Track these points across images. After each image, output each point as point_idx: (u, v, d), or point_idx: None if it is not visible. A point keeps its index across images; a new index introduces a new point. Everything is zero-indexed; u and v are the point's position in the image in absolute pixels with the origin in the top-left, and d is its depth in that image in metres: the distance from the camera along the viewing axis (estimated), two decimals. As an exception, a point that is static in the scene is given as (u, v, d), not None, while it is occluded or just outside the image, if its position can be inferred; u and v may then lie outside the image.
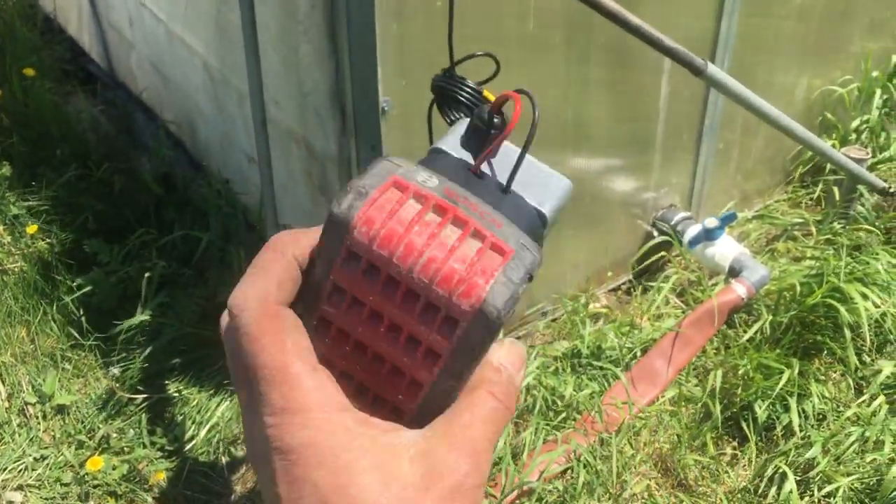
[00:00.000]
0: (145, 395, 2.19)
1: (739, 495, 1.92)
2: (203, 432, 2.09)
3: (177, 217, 2.59)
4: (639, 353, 2.20)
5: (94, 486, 2.00)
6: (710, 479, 1.96)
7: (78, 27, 3.29)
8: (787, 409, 2.00)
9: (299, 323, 0.41)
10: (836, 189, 2.58)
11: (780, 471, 1.89)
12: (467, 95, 1.45)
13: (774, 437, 2.02)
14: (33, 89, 2.97)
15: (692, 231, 2.36)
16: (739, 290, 2.22)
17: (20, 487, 2.01)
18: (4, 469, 2.03)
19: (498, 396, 0.41)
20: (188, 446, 2.09)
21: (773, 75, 2.49)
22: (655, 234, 2.41)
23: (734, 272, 2.29)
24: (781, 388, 1.99)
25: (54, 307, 2.37)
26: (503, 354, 0.43)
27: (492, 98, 1.54)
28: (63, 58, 3.30)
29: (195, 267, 2.44)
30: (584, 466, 1.91)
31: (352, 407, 0.39)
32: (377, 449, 0.38)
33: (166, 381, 2.24)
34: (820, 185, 2.69)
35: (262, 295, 0.40)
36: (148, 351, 2.26)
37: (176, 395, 2.20)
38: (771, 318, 2.19)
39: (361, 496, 0.36)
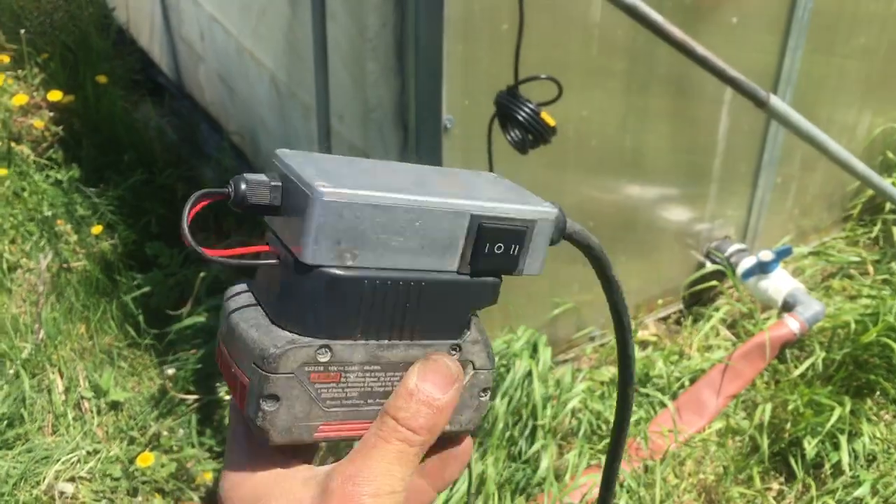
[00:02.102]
0: (196, 396, 2.23)
1: (784, 532, 1.90)
2: (251, 436, 2.13)
3: (235, 225, 2.65)
4: (686, 383, 2.19)
5: (143, 482, 2.05)
6: (754, 514, 1.94)
7: (149, 39, 3.40)
8: (836, 447, 1.98)
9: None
10: (895, 229, 2.55)
11: (828, 509, 1.86)
12: (525, 115, 1.48)
13: (822, 475, 1.99)
14: (104, 96, 3.07)
15: (746, 263, 2.35)
16: (792, 324, 2.20)
17: (72, 479, 2.07)
18: (58, 460, 2.09)
19: (407, 425, 0.42)
20: (236, 449, 2.12)
21: (834, 112, 2.48)
22: (708, 264, 2.41)
23: (788, 307, 2.28)
24: (832, 426, 1.97)
25: (114, 305, 2.44)
26: (417, 374, 0.44)
27: (551, 121, 1.55)
28: (134, 68, 3.41)
29: (250, 273, 2.49)
30: (627, 492, 1.90)
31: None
32: (288, 482, 0.43)
33: (217, 384, 2.28)
34: (879, 224, 2.66)
35: None
36: (201, 353, 2.32)
37: (226, 397, 2.24)
38: (824, 354, 2.17)
39: None
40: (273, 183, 0.45)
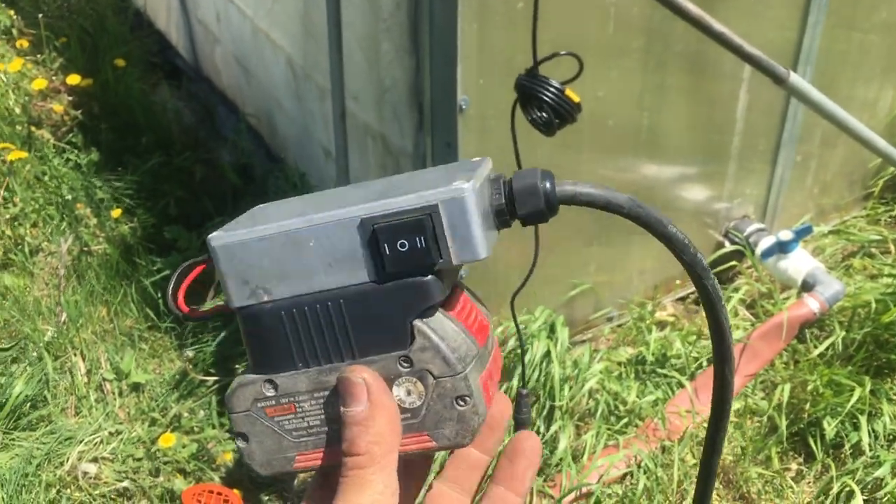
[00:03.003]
0: (216, 378, 2.25)
1: (803, 512, 1.90)
2: (270, 417, 2.15)
3: (253, 206, 2.66)
4: (704, 363, 2.18)
5: (165, 463, 2.07)
6: (773, 494, 1.93)
7: (166, 22, 3.41)
8: (856, 427, 1.96)
9: None
10: (917, 207, 2.52)
11: (847, 489, 1.85)
12: (551, 95, 1.46)
13: (842, 456, 1.98)
14: (122, 80, 3.09)
15: (765, 243, 2.33)
16: (812, 304, 2.18)
17: (95, 459, 2.10)
18: (81, 441, 2.11)
19: (348, 452, 0.42)
20: (255, 429, 2.14)
21: (855, 88, 2.45)
22: (727, 244, 2.39)
23: (807, 286, 2.26)
24: (852, 406, 1.95)
25: (134, 288, 2.47)
26: (340, 400, 0.43)
27: (575, 98, 1.54)
28: (151, 51, 3.42)
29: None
30: (645, 472, 1.90)
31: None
32: None
33: (236, 366, 2.30)
34: (900, 203, 2.63)
35: None
36: (220, 335, 2.33)
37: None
38: (843, 334, 2.15)
39: None
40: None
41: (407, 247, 0.42)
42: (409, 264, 0.43)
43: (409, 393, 0.44)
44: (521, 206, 0.46)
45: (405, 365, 0.44)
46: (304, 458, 0.46)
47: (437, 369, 0.44)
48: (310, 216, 0.43)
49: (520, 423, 1.01)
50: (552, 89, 1.33)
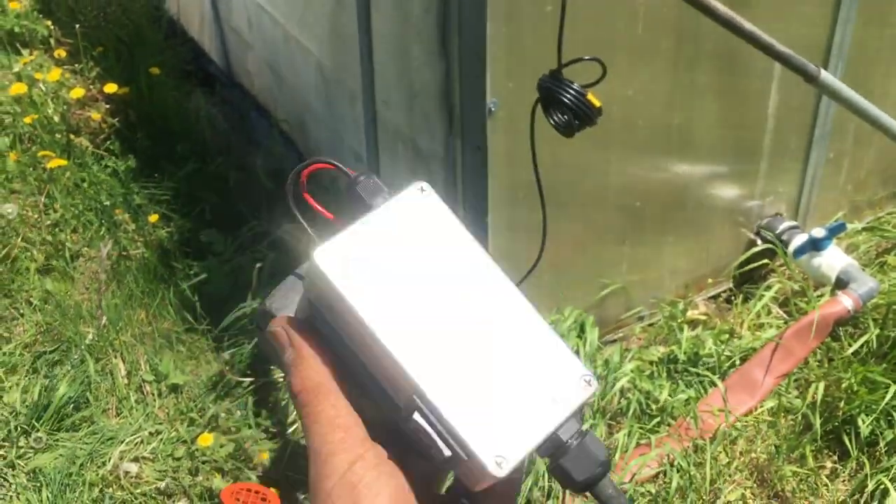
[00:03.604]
0: (252, 379, 2.29)
1: (838, 510, 1.89)
2: (305, 417, 2.18)
3: (286, 211, 2.70)
4: (737, 362, 2.18)
5: (203, 462, 2.12)
6: (807, 492, 1.93)
7: (200, 29, 3.46)
8: (891, 424, 1.95)
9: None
10: (953, 203, 2.49)
11: (882, 487, 1.84)
12: (571, 97, 1.48)
13: (877, 453, 1.97)
14: (158, 88, 3.15)
15: (798, 241, 2.32)
16: (846, 302, 2.17)
17: (136, 459, 2.15)
18: (122, 441, 2.16)
19: (292, 396, 0.46)
20: (290, 429, 2.18)
21: (888, 85, 2.43)
22: (759, 242, 2.38)
23: (841, 284, 2.24)
24: (887, 404, 1.94)
25: (171, 292, 2.51)
26: None
27: (596, 102, 1.55)
28: (185, 58, 3.48)
29: (302, 259, 2.54)
30: (678, 471, 1.91)
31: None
32: None
33: (272, 367, 2.34)
34: (936, 199, 2.60)
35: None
36: (256, 337, 2.37)
37: (280, 380, 2.30)
38: (878, 332, 2.14)
39: None
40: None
41: (424, 443, 0.43)
42: (417, 446, 0.44)
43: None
44: (569, 470, 0.45)
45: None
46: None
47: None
48: (395, 335, 0.43)
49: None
50: (573, 92, 1.34)
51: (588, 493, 0.46)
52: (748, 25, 1.55)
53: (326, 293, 0.44)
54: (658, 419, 2.03)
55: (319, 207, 0.50)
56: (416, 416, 0.43)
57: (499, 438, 0.43)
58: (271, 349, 0.48)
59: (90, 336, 2.40)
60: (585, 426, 0.46)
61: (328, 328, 0.46)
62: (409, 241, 0.46)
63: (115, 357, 2.35)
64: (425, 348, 0.43)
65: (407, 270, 0.45)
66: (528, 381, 0.45)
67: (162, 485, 2.08)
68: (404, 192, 0.47)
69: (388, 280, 0.44)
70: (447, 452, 0.43)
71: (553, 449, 0.45)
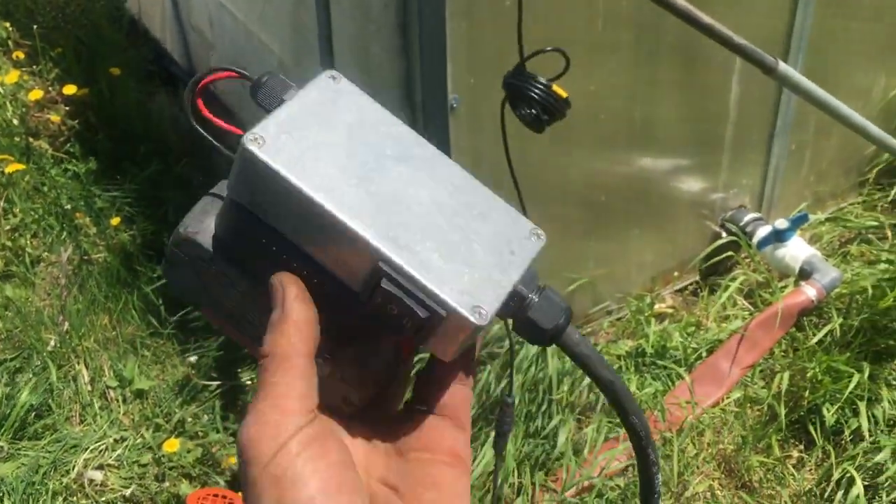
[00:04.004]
0: (219, 383, 2.27)
1: (805, 498, 1.90)
2: (273, 419, 2.16)
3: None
4: (704, 354, 2.19)
5: (170, 468, 2.09)
6: (774, 482, 1.94)
7: (161, 29, 3.42)
8: (856, 413, 1.97)
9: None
10: (913, 192, 2.52)
11: (848, 475, 1.86)
12: (538, 92, 1.48)
13: (842, 442, 1.99)
14: (119, 88, 3.10)
15: (762, 232, 2.34)
16: (809, 292, 2.19)
17: (101, 467, 2.11)
18: (87, 449, 2.13)
19: (261, 353, 0.43)
20: (259, 432, 2.16)
21: (848, 75, 2.45)
22: (724, 234, 2.39)
23: (805, 274, 2.26)
24: (851, 392, 1.96)
25: (135, 296, 2.48)
26: None
27: (563, 93, 1.55)
28: (147, 58, 3.43)
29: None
30: (646, 464, 1.91)
31: None
32: None
33: (239, 370, 2.32)
34: (895, 188, 2.63)
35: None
36: (222, 339, 2.35)
37: (248, 382, 2.27)
38: (841, 321, 2.16)
39: None
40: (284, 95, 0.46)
41: (395, 314, 0.42)
42: (385, 321, 0.42)
43: None
44: (537, 320, 0.46)
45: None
46: (208, 313, 0.48)
47: None
48: (346, 206, 0.41)
49: (501, 435, 0.99)
50: (539, 86, 1.34)
51: (557, 349, 0.47)
52: (706, 18, 1.55)
53: (263, 181, 0.42)
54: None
55: (220, 121, 0.49)
56: (385, 284, 0.41)
57: (471, 290, 0.42)
58: (190, 285, 0.47)
59: (52, 342, 2.36)
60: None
61: (263, 237, 0.43)
62: (335, 121, 0.45)
63: (78, 363, 2.31)
64: (379, 216, 0.42)
65: (341, 146, 0.44)
66: (484, 238, 0.45)
67: (128, 492, 2.06)
68: (315, 79, 0.46)
69: (326, 157, 0.43)
70: (423, 314, 0.41)
71: (517, 306, 0.45)
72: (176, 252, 0.47)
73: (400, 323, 0.42)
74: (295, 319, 0.43)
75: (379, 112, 0.47)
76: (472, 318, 0.41)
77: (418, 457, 0.46)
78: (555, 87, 1.41)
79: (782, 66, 1.72)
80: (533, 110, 1.44)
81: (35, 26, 3.21)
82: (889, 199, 2.65)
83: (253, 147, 0.42)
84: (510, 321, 0.46)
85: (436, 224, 0.44)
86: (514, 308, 0.45)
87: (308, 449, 0.40)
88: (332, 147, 0.44)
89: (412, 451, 0.47)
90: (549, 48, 1.41)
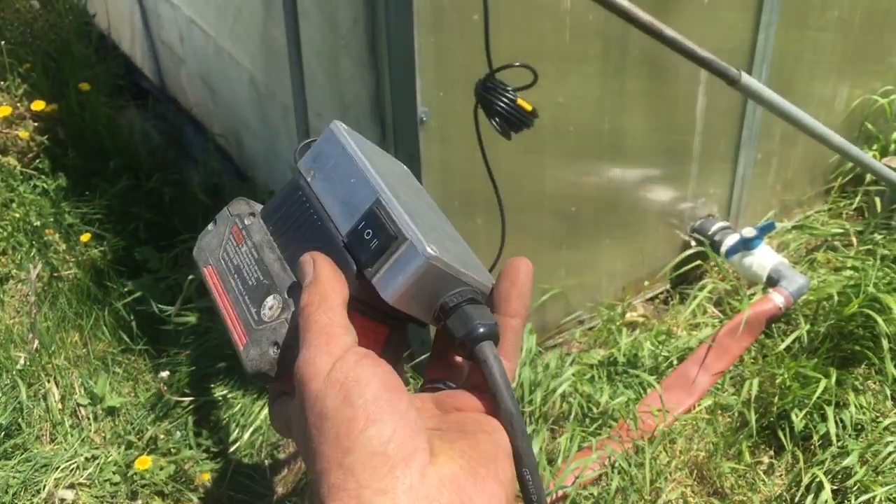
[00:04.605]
0: (192, 399, 2.26)
1: (776, 503, 1.92)
2: (246, 435, 2.15)
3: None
4: (675, 362, 2.21)
5: (143, 486, 2.07)
6: (745, 488, 1.96)
7: (131, 44, 3.41)
8: (824, 418, 2.00)
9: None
10: (877, 199, 2.57)
11: (817, 480, 1.89)
12: (504, 105, 1.48)
13: (811, 447, 2.02)
14: (88, 104, 3.08)
15: (730, 241, 2.37)
16: (777, 299, 2.22)
17: (72, 486, 2.09)
18: (57, 468, 2.11)
19: (300, 310, 0.48)
20: (232, 448, 2.15)
21: (812, 86, 2.50)
22: (693, 243, 2.42)
23: (772, 282, 2.30)
24: (818, 398, 1.99)
25: (106, 312, 2.46)
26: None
27: (528, 107, 1.57)
28: (117, 73, 3.42)
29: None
30: (619, 473, 1.93)
31: None
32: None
33: (212, 385, 2.31)
34: (860, 195, 2.68)
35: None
36: (195, 354, 2.34)
37: (221, 398, 2.26)
38: (809, 327, 2.19)
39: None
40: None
41: (368, 238, 0.49)
42: (360, 245, 0.50)
43: None
44: (452, 323, 0.49)
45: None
46: (208, 272, 0.56)
47: None
48: (375, 175, 0.51)
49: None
50: (506, 99, 1.36)
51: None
52: (669, 31, 1.58)
53: (335, 155, 0.53)
54: (599, 422, 2.05)
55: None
56: (375, 207, 0.50)
57: (439, 245, 0.48)
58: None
59: (22, 360, 2.34)
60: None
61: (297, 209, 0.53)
62: (369, 148, 0.56)
63: (49, 381, 2.29)
64: (402, 200, 0.50)
65: (378, 158, 0.55)
66: (461, 246, 0.54)
67: (99, 510, 2.04)
68: (335, 128, 0.56)
69: (370, 156, 0.54)
70: (392, 231, 0.48)
71: (459, 298, 0.49)
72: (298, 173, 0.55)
73: (368, 245, 0.49)
74: (328, 276, 0.49)
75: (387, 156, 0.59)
76: (423, 250, 0.47)
77: (455, 412, 0.49)
78: (519, 101, 1.43)
79: (745, 78, 1.75)
80: (499, 120, 1.46)
81: (2, 42, 3.18)
82: (854, 206, 2.69)
83: (336, 127, 0.55)
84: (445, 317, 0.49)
85: (438, 223, 0.54)
86: (457, 299, 0.49)
87: (364, 359, 0.44)
88: (373, 155, 0.55)
89: (449, 409, 0.49)
90: (517, 63, 1.44)
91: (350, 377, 0.43)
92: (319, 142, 0.55)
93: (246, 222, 0.56)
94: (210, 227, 0.58)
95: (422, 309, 0.49)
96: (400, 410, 0.42)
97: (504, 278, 0.52)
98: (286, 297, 0.51)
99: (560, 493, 1.88)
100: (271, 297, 0.52)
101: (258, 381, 0.50)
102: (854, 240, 2.53)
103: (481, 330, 0.47)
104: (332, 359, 0.44)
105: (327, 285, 0.48)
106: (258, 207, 0.57)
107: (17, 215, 2.74)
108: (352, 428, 0.41)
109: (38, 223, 2.72)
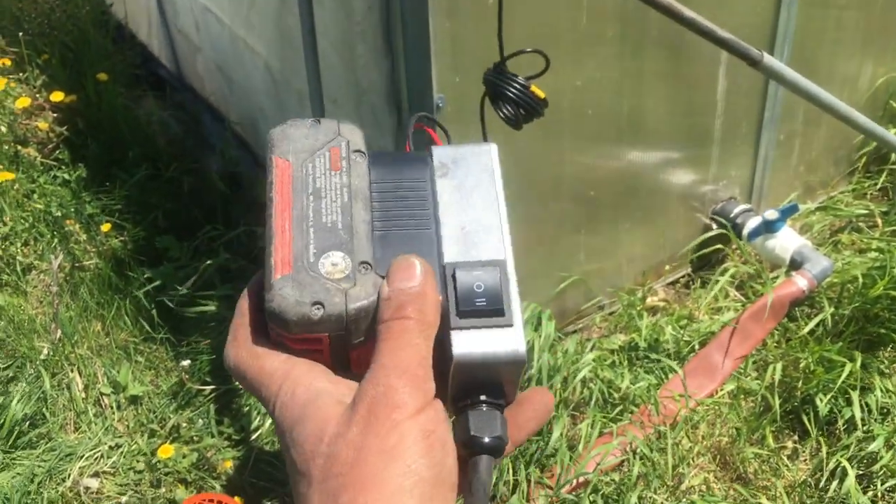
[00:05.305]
0: (213, 387, 2.27)
1: (799, 489, 1.91)
2: (268, 423, 2.16)
3: (242, 214, 2.67)
4: (696, 347, 2.19)
5: (166, 474, 2.09)
6: (769, 473, 1.95)
7: (148, 33, 3.41)
8: (849, 402, 1.98)
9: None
10: (903, 179, 2.53)
11: (842, 465, 1.87)
12: (516, 91, 1.47)
13: (836, 431, 1.99)
14: (106, 94, 3.09)
15: (752, 223, 2.34)
16: (800, 282, 2.19)
17: (96, 474, 2.11)
18: (82, 457, 2.13)
19: (395, 315, 0.43)
20: (254, 436, 2.16)
21: (835, 65, 2.45)
22: (714, 226, 2.39)
23: (795, 264, 2.27)
24: (843, 382, 1.97)
25: (127, 301, 2.47)
26: (388, 278, 0.45)
27: (541, 94, 1.55)
28: (134, 63, 3.42)
29: (258, 261, 2.52)
30: (640, 459, 1.92)
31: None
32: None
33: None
34: (885, 175, 2.63)
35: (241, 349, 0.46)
36: (215, 343, 2.34)
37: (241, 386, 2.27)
38: (833, 310, 2.16)
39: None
40: None
41: (481, 292, 0.47)
42: None
43: None
44: (470, 417, 0.46)
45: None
46: (281, 167, 0.49)
47: None
48: (507, 230, 0.51)
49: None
50: (517, 86, 1.34)
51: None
52: (688, 12, 1.55)
53: (478, 175, 0.51)
54: (620, 407, 2.04)
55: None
56: (507, 270, 0.48)
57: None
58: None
59: (45, 351, 2.36)
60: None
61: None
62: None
63: (72, 371, 2.31)
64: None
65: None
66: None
67: (123, 499, 2.05)
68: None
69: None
70: (503, 306, 0.46)
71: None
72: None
73: (473, 299, 0.46)
74: (434, 300, 0.45)
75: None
76: (520, 345, 0.46)
77: None
78: (533, 88, 1.41)
79: (767, 59, 1.72)
80: (510, 108, 1.44)
81: (21, 33, 3.20)
82: (878, 186, 2.65)
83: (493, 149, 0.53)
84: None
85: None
86: (485, 397, 0.47)
87: (446, 420, 0.43)
88: None
89: None
90: (528, 49, 1.41)
91: (437, 433, 0.41)
92: (467, 149, 0.51)
93: (352, 154, 0.49)
94: (306, 122, 0.50)
95: (458, 384, 0.46)
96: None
97: (526, 404, 0.48)
98: (358, 267, 0.45)
99: (581, 479, 1.87)
100: (341, 254, 0.45)
101: (271, 322, 0.44)
102: (879, 221, 2.49)
103: (486, 441, 0.45)
104: (420, 402, 0.41)
105: (432, 309, 0.44)
106: (363, 146, 0.50)
107: (39, 206, 2.75)
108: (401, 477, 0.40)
109: (58, 214, 2.74)
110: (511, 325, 0.45)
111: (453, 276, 0.46)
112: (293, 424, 0.42)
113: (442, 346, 0.45)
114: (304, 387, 0.43)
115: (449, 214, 0.48)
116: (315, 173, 0.48)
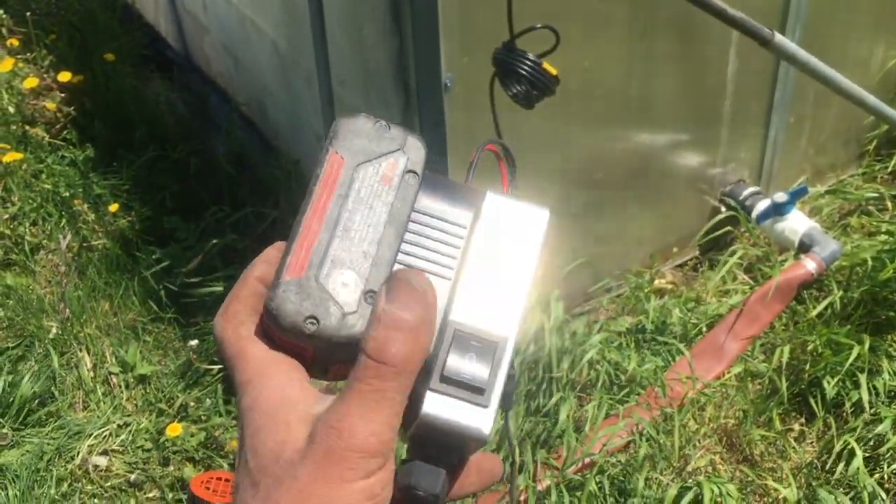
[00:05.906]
0: (221, 367, 2.27)
1: (806, 471, 1.91)
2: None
3: (248, 195, 2.67)
4: (704, 329, 2.19)
5: (174, 452, 2.10)
6: (776, 455, 1.95)
7: (155, 13, 3.40)
8: (856, 385, 1.97)
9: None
10: (913, 162, 2.51)
11: (849, 447, 1.86)
12: (528, 69, 1.46)
13: (843, 414, 1.99)
14: (113, 75, 3.09)
15: (761, 206, 2.33)
16: (809, 265, 2.18)
17: (105, 452, 2.13)
18: (91, 435, 2.14)
19: (377, 357, 0.41)
20: (261, 415, 2.16)
21: (847, 46, 2.43)
22: (723, 209, 2.38)
23: (804, 247, 2.26)
24: (851, 365, 1.96)
25: (135, 281, 2.48)
26: (384, 296, 0.42)
27: (553, 71, 1.53)
28: (141, 43, 3.41)
29: (264, 241, 2.51)
30: (647, 440, 1.92)
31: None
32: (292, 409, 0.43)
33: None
34: (895, 159, 2.62)
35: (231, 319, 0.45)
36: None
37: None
38: (841, 293, 2.15)
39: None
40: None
41: (471, 362, 0.45)
42: None
43: None
44: (415, 467, 0.45)
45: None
46: (334, 162, 0.47)
47: None
48: (521, 312, 0.47)
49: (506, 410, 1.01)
50: (529, 63, 1.33)
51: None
52: (699, -9, 1.54)
53: (518, 237, 0.48)
54: (627, 389, 2.04)
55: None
56: (507, 347, 0.46)
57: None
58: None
59: (54, 330, 2.37)
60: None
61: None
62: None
63: (80, 350, 2.32)
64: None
65: None
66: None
67: (132, 477, 2.07)
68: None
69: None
70: (485, 385, 0.44)
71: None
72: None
73: (461, 363, 0.45)
74: (431, 331, 0.43)
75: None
76: (486, 428, 0.45)
77: None
78: (545, 65, 1.40)
79: (778, 38, 1.71)
80: (522, 87, 1.43)
81: (28, 13, 3.19)
82: (889, 170, 2.63)
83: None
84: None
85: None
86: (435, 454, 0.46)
87: (390, 484, 0.42)
88: None
89: None
90: (538, 25, 1.40)
91: (382, 496, 0.41)
92: (522, 207, 0.48)
93: (406, 174, 0.47)
94: (377, 123, 0.48)
95: (416, 434, 0.45)
96: None
97: (473, 469, 0.47)
98: (365, 295, 0.44)
99: (587, 460, 1.87)
100: (354, 276, 0.44)
101: (266, 315, 0.43)
102: (889, 204, 2.47)
103: (421, 495, 0.44)
104: (376, 465, 0.40)
105: (418, 357, 0.42)
106: (421, 167, 0.48)
107: (47, 186, 2.76)
108: None
109: (66, 194, 2.74)
110: (486, 407, 0.44)
111: (451, 341, 0.44)
112: (256, 430, 0.41)
113: (413, 392, 0.43)
114: (275, 390, 0.42)
115: (474, 271, 0.47)
116: (364, 181, 0.46)
